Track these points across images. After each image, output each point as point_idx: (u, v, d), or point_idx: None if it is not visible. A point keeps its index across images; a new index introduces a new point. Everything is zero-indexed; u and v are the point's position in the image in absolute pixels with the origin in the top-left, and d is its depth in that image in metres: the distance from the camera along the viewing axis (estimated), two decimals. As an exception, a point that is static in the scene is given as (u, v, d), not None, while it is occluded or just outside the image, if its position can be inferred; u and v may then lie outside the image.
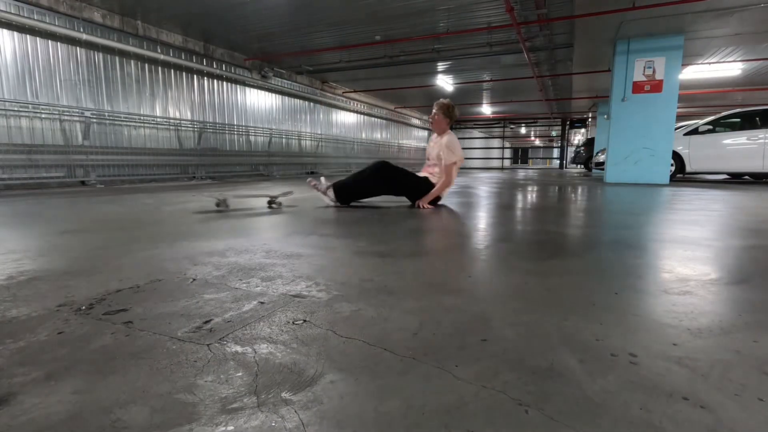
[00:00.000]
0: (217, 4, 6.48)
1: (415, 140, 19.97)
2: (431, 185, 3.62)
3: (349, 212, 3.14)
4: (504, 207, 3.64)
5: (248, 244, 1.96)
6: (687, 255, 1.75)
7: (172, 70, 7.94)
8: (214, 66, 8.77)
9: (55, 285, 1.32)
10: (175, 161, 7.87)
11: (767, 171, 7.36)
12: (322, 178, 3.76)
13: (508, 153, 26.43)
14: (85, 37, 6.34)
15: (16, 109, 5.65)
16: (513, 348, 0.88)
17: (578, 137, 25.92)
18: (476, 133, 27.04)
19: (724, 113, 7.82)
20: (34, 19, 5.76)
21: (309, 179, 3.84)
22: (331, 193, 3.61)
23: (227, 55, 9.07)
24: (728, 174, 8.91)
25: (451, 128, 3.82)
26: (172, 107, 7.95)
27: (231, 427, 0.62)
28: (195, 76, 8.42)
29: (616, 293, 1.24)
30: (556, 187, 6.43)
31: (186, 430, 0.62)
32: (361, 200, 3.84)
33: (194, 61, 8.28)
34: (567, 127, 21.25)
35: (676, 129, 7.92)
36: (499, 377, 0.76)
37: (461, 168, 21.29)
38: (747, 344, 0.90)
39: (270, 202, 3.49)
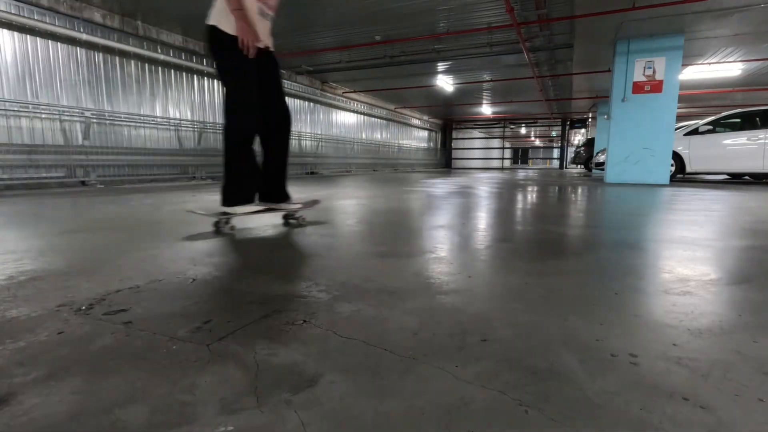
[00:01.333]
0: (217, 4, 6.48)
1: (416, 140, 19.96)
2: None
3: (349, 213, 3.14)
4: (504, 207, 3.64)
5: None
6: (687, 255, 1.75)
7: (172, 70, 7.94)
8: (215, 66, 8.77)
9: (55, 285, 1.32)
10: (175, 161, 7.86)
11: (767, 171, 7.36)
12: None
13: (508, 153, 26.41)
14: (85, 37, 6.34)
15: (16, 109, 5.65)
16: (513, 348, 0.88)
17: (578, 137, 25.92)
18: (476, 133, 27.05)
19: (724, 113, 7.81)
20: (34, 19, 5.76)
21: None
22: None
23: (227, 55, 9.07)
24: (728, 174, 8.91)
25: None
26: (172, 107, 7.94)
27: (231, 427, 0.62)
28: (195, 76, 8.41)
29: (616, 293, 1.24)
30: (556, 188, 6.43)
31: (186, 430, 0.62)
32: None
33: (194, 61, 8.28)
34: (567, 127, 21.25)
35: (676, 129, 7.92)
36: (499, 377, 0.76)
37: (464, 168, 21.41)
38: (747, 344, 0.90)
39: (287, 217, 2.65)
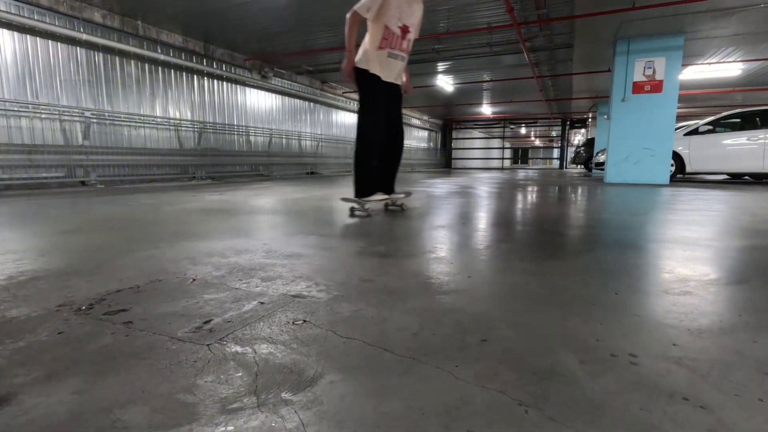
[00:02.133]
0: (217, 4, 6.48)
1: (416, 140, 19.95)
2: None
3: (347, 212, 3.14)
4: (504, 207, 3.64)
5: (248, 244, 1.96)
6: (687, 255, 1.75)
7: (172, 70, 7.93)
8: (214, 66, 8.77)
9: (55, 285, 1.32)
10: (175, 161, 7.86)
11: (767, 171, 7.36)
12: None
13: (508, 153, 26.41)
14: (85, 37, 6.33)
15: (16, 109, 5.65)
16: (513, 348, 0.88)
17: (578, 137, 25.91)
18: (476, 133, 27.04)
19: (724, 113, 7.81)
20: (34, 19, 5.76)
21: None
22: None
23: (227, 55, 9.07)
24: (728, 174, 8.90)
25: None
26: (172, 107, 7.94)
27: (231, 428, 0.62)
28: (195, 76, 8.41)
29: (616, 293, 1.24)
30: (556, 188, 6.43)
31: (186, 430, 0.62)
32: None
33: (194, 61, 8.27)
34: (567, 127, 21.25)
35: (676, 129, 7.92)
36: (499, 377, 0.76)
37: (464, 168, 21.42)
38: (747, 344, 0.90)
39: (387, 205, 3.47)
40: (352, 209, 3.15)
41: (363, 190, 3.08)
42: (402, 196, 3.39)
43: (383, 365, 0.81)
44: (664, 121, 7.16)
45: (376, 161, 3.10)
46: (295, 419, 0.64)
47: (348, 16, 2.82)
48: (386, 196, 3.29)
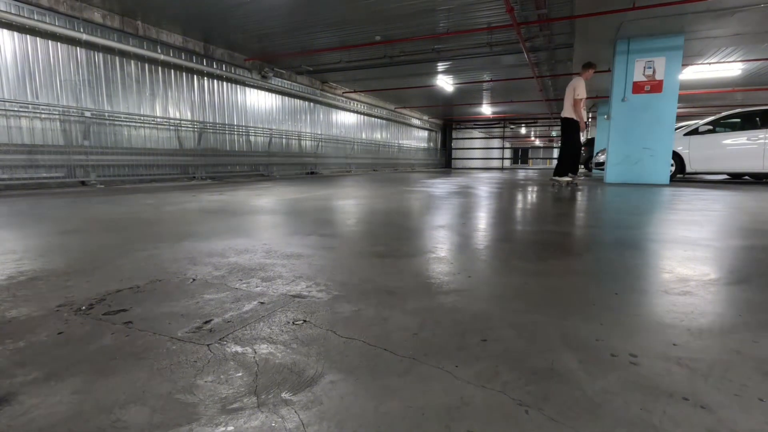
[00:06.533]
0: (217, 4, 6.48)
1: (416, 140, 19.95)
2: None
3: (347, 212, 3.14)
4: (504, 207, 3.64)
5: (248, 244, 1.96)
6: (687, 255, 1.75)
7: (172, 70, 7.94)
8: (214, 66, 8.77)
9: (55, 285, 1.32)
10: (175, 161, 7.86)
11: (767, 171, 7.36)
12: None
13: (508, 153, 26.42)
14: (85, 37, 6.34)
15: (16, 109, 5.65)
16: (513, 348, 0.88)
17: (578, 137, 25.88)
18: (476, 133, 27.04)
19: (724, 113, 7.80)
20: (34, 20, 5.76)
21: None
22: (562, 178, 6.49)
23: (227, 55, 9.07)
24: (728, 174, 8.90)
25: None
26: (172, 107, 7.94)
27: (231, 428, 0.62)
28: (195, 76, 8.41)
29: (616, 293, 1.24)
30: (557, 188, 6.43)
31: (186, 430, 0.62)
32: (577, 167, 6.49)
33: (194, 61, 8.28)
34: (567, 127, 21.20)
35: (676, 129, 7.91)
36: (499, 377, 0.76)
37: (464, 168, 21.46)
38: (747, 344, 0.90)
39: (567, 183, 6.38)
40: (564, 183, 6.32)
41: (563, 173, 6.33)
42: (570, 179, 6.36)
43: (383, 365, 0.81)
44: (664, 121, 7.15)
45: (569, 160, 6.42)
46: (295, 419, 0.64)
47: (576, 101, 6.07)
48: (570, 177, 6.44)
